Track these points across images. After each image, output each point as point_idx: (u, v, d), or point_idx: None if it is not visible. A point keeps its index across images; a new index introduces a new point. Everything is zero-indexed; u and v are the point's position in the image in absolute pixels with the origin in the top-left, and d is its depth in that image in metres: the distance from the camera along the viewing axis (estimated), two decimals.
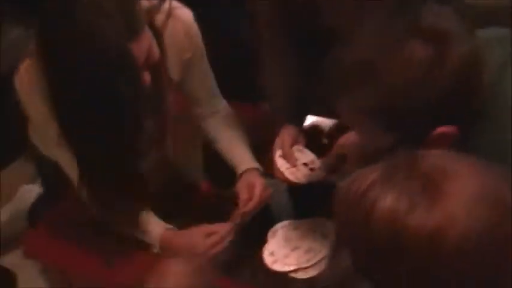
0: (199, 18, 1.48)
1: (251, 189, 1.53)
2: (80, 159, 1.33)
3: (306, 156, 1.56)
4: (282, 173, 1.52)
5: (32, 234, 1.69)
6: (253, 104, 1.81)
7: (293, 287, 1.41)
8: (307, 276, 1.39)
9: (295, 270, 1.39)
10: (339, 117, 1.67)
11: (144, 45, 1.22)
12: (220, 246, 1.45)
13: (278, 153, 1.56)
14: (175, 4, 1.41)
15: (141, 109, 1.27)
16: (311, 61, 1.45)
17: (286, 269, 1.40)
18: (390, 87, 0.94)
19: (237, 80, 1.71)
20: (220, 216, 1.54)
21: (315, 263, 1.40)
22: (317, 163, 1.54)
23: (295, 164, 1.54)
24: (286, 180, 1.52)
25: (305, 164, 1.54)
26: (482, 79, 0.96)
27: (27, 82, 1.32)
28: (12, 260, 2.26)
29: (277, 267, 1.41)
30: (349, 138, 1.50)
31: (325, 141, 1.72)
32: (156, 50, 1.27)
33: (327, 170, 1.52)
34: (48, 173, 1.85)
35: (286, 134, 1.58)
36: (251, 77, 1.68)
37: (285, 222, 1.52)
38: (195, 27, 1.49)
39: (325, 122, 1.79)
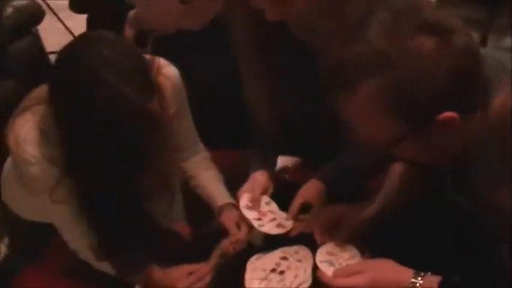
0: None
1: (239, 223, 1.63)
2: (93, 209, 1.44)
3: (272, 208, 1.66)
4: (249, 224, 1.61)
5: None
6: (229, 150, 1.92)
7: None
8: None
9: None
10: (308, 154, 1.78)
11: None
12: (201, 284, 1.53)
13: (244, 201, 1.64)
14: (163, 62, 1.51)
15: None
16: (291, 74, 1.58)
17: None
18: (402, 75, 1.05)
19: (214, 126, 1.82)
20: (199, 254, 1.61)
21: (298, 285, 1.48)
22: (282, 216, 1.63)
23: (264, 212, 1.63)
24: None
25: (272, 219, 1.62)
26: (480, 69, 1.10)
27: (32, 136, 1.40)
28: None
29: None
30: (312, 186, 1.63)
31: (286, 176, 1.83)
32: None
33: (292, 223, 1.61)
34: (21, 233, 1.87)
35: (256, 180, 1.68)
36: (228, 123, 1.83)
37: (261, 254, 1.59)
38: (180, 84, 1.60)
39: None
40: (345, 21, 1.40)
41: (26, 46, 2.70)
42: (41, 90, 1.46)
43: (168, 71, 1.54)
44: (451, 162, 1.20)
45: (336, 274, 1.38)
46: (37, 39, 2.79)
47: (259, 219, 1.61)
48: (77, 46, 1.33)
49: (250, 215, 1.61)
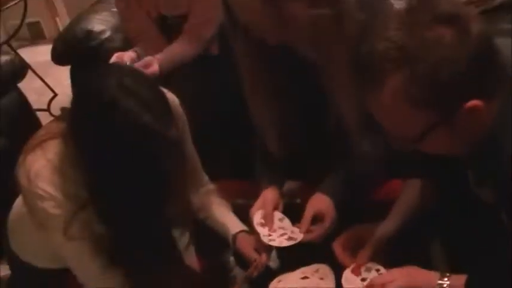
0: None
1: (257, 248, 1.62)
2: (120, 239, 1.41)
3: (284, 225, 1.66)
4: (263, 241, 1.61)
5: None
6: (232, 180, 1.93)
7: None
8: None
9: None
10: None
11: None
12: None
13: (257, 218, 1.65)
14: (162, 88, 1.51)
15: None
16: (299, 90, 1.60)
17: None
18: (425, 66, 1.09)
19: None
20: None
21: None
22: (295, 230, 1.63)
23: (275, 229, 1.63)
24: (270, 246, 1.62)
25: (282, 234, 1.63)
26: (497, 53, 1.13)
27: (43, 172, 1.39)
28: None
29: None
30: (320, 198, 1.64)
31: (298, 200, 1.81)
32: None
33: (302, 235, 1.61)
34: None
35: (267, 196, 1.69)
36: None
37: (283, 275, 1.59)
38: (180, 111, 1.62)
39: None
40: (345, 36, 1.43)
41: (11, 102, 2.69)
42: (50, 127, 1.47)
43: (170, 96, 1.54)
44: (475, 150, 1.21)
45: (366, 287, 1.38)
46: (21, 95, 2.78)
47: (270, 235, 1.62)
48: (96, 76, 1.33)
49: (262, 231, 1.61)
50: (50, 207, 1.40)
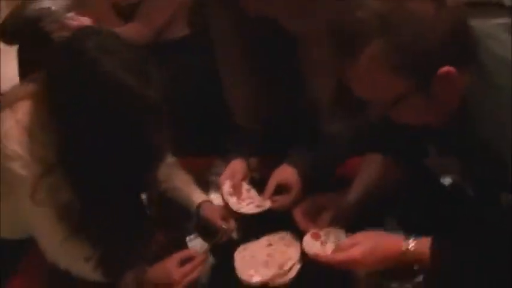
0: None
1: (223, 216, 1.67)
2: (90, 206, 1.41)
3: (251, 195, 1.72)
4: (232, 209, 1.66)
5: None
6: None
7: None
8: (285, 281, 1.51)
9: (272, 278, 1.50)
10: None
11: None
12: (194, 274, 1.52)
13: (226, 187, 1.69)
14: None
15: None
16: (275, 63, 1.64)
17: (265, 278, 1.50)
18: (403, 35, 1.14)
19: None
20: None
21: (289, 268, 1.52)
22: (262, 200, 1.69)
23: (243, 198, 1.69)
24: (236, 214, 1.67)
25: (250, 203, 1.69)
26: (469, 26, 1.20)
27: (12, 132, 1.38)
28: None
29: (256, 278, 1.51)
30: (285, 169, 1.69)
31: (256, 175, 1.85)
32: None
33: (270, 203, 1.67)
34: None
35: (235, 167, 1.74)
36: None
37: (248, 243, 1.63)
38: None
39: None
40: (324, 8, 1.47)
41: None
42: (20, 88, 1.47)
43: None
44: (448, 120, 1.27)
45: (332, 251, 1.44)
46: None
47: (238, 203, 1.67)
48: (77, 39, 1.34)
49: (231, 200, 1.66)
50: (17, 167, 1.39)
